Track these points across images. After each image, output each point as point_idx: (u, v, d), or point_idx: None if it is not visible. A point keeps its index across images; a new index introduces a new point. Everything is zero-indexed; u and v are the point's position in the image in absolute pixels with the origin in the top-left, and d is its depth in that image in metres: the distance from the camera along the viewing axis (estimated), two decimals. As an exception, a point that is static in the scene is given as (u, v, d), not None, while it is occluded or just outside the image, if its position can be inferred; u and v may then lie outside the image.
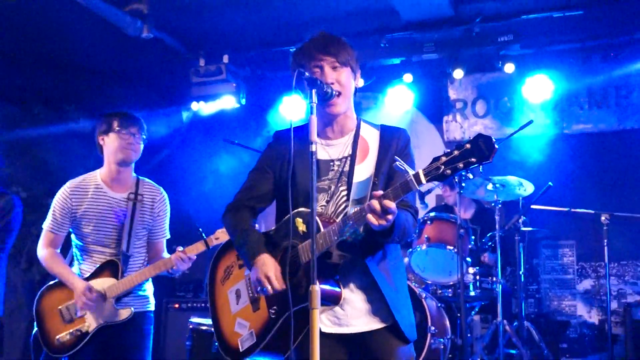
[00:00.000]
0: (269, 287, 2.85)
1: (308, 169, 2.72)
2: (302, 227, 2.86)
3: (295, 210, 2.89)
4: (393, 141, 3.05)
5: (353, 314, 2.96)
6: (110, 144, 4.27)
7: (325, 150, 3.09)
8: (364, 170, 3.03)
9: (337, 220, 2.87)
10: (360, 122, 3.14)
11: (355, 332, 2.96)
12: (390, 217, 2.56)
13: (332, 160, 3.09)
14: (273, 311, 3.00)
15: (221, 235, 4.17)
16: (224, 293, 3.24)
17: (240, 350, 3.09)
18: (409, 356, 3.00)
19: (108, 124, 4.28)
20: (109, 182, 4.35)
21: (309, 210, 2.72)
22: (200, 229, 4.25)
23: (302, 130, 2.94)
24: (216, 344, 4.02)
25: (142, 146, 4.37)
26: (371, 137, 3.10)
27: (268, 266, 2.90)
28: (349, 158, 3.05)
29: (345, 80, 3.04)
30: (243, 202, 3.18)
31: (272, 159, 3.17)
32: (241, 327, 3.14)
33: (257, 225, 3.20)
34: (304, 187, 2.92)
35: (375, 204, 2.54)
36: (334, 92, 2.94)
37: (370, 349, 2.97)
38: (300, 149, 2.92)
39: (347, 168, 3.05)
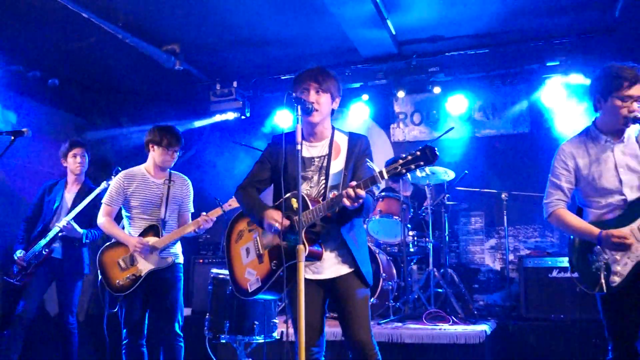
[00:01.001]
0: (278, 225, 2.90)
1: (296, 162, 2.79)
2: (295, 204, 2.88)
3: (291, 192, 2.94)
4: (357, 144, 3.13)
5: (327, 266, 3.02)
6: (157, 153, 4.35)
7: (308, 150, 3.14)
8: (337, 165, 3.08)
9: (321, 201, 2.91)
10: (335, 130, 3.20)
11: (328, 278, 3.03)
12: (361, 200, 2.67)
13: (314, 158, 3.13)
14: (274, 264, 3.06)
15: (232, 203, 4.20)
16: (237, 250, 3.29)
17: (249, 291, 3.17)
18: (365, 295, 3.05)
19: (160, 138, 4.36)
20: (152, 172, 4.41)
21: (295, 192, 2.83)
22: (218, 199, 4.29)
23: (291, 135, 2.99)
24: (230, 287, 4.04)
25: (177, 155, 4.47)
26: (342, 141, 3.15)
27: (274, 213, 2.96)
28: (326, 156, 3.11)
29: (323, 101, 3.08)
30: (250, 183, 3.24)
31: (270, 155, 3.22)
32: (250, 275, 3.18)
33: None
34: (292, 176, 2.97)
35: (351, 191, 2.65)
36: (313, 108, 2.98)
37: (338, 289, 3.03)
38: (290, 148, 2.97)
39: (325, 163, 3.10)
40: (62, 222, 4.72)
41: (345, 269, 3.01)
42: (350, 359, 3.03)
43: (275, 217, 2.93)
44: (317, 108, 3.03)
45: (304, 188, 3.02)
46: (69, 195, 5.03)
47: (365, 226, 5.93)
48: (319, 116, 3.05)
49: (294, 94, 2.97)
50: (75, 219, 4.77)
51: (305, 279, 2.88)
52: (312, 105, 3.01)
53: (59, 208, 4.97)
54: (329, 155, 3.07)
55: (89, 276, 5.32)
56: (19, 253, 4.86)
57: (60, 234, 4.76)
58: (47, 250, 4.78)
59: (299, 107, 2.93)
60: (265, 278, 3.06)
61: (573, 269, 3.36)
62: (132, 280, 4.19)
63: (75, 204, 4.90)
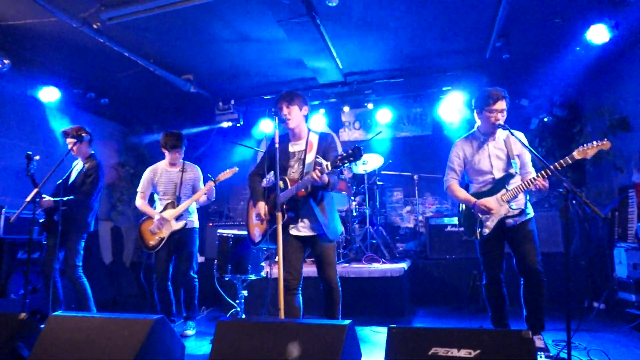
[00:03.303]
0: (263, 217, 3.03)
1: (282, 156, 2.95)
2: (282, 185, 2.98)
3: (281, 177, 2.97)
4: (324, 141, 3.17)
5: (303, 228, 3.03)
6: (166, 154, 4.25)
7: (292, 147, 3.17)
8: (310, 157, 3.09)
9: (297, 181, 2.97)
10: (310, 131, 3.19)
11: (304, 235, 3.05)
12: (324, 176, 2.77)
13: (295, 152, 3.15)
14: (268, 225, 3.05)
15: (221, 176, 4.15)
16: (252, 213, 3.31)
17: (255, 242, 3.19)
18: (331, 247, 3.06)
19: (164, 143, 4.21)
20: (168, 165, 4.29)
21: (283, 176, 2.97)
22: (210, 175, 4.21)
23: (280, 138, 3.03)
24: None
25: (182, 153, 4.28)
26: (314, 139, 3.16)
27: (261, 207, 3.05)
28: (303, 151, 3.11)
29: (293, 112, 3.10)
30: (256, 172, 3.25)
31: (268, 153, 3.19)
32: (256, 231, 3.21)
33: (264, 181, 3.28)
34: (280, 165, 3.01)
35: (316, 173, 2.75)
36: (286, 119, 3.03)
37: (313, 244, 3.05)
38: (279, 147, 2.99)
39: (303, 156, 3.11)
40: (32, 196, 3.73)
41: (316, 231, 3.01)
42: (321, 289, 3.04)
43: (262, 211, 3.03)
44: (289, 118, 3.03)
45: (289, 173, 3.04)
46: (75, 171, 4.27)
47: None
48: (292, 123, 3.06)
49: (273, 110, 2.99)
50: (68, 190, 4.05)
51: (292, 235, 3.01)
52: (285, 116, 3.02)
53: (66, 182, 4.21)
54: (305, 150, 3.06)
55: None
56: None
57: (39, 207, 3.84)
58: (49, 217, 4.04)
59: (276, 118, 2.95)
60: (264, 233, 3.10)
61: (460, 224, 3.44)
62: (158, 241, 4.11)
63: (75, 178, 4.15)
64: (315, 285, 3.10)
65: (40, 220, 4.13)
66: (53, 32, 4.62)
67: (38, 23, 4.44)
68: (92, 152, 4.29)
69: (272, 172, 3.12)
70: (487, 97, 3.18)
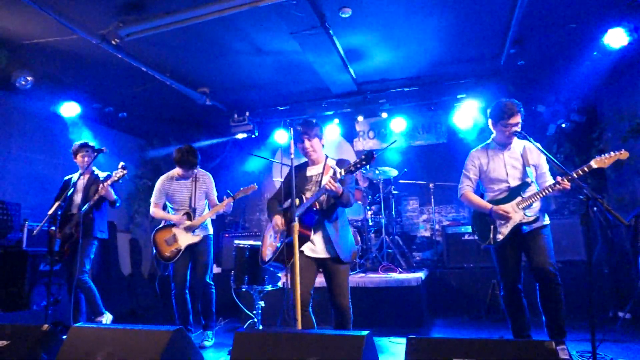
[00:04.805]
0: (278, 228, 3.05)
1: (300, 181, 3.05)
2: (297, 202, 3.03)
3: (296, 197, 2.99)
4: (343, 164, 3.15)
5: (318, 249, 3.01)
6: (178, 169, 4.28)
7: (310, 171, 3.22)
8: (327, 179, 3.11)
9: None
10: (327, 157, 3.23)
11: (319, 257, 3.03)
12: (337, 184, 2.80)
13: (312, 176, 3.20)
14: (280, 243, 3.06)
15: (239, 194, 4.17)
16: (267, 235, 3.33)
17: (265, 260, 3.15)
18: (345, 270, 3.03)
19: (177, 160, 4.24)
20: (182, 174, 4.31)
21: (297, 198, 3.01)
22: (229, 191, 4.22)
23: (298, 166, 3.16)
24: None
25: (196, 166, 4.27)
26: (332, 164, 3.22)
27: (278, 219, 3.08)
28: (320, 174, 3.14)
29: (314, 144, 3.17)
30: (275, 197, 3.27)
31: (286, 180, 3.20)
32: (268, 250, 3.24)
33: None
34: (298, 189, 3.07)
35: (330, 180, 2.79)
36: (309, 152, 3.15)
37: (326, 266, 3.03)
38: (298, 173, 3.10)
39: (319, 178, 3.15)
40: (106, 184, 4.08)
41: (330, 254, 3.00)
42: (332, 315, 3.02)
43: (278, 222, 3.05)
44: (311, 151, 3.13)
45: (306, 193, 3.05)
46: (81, 182, 4.36)
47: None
48: (314, 154, 3.15)
49: (298, 144, 3.10)
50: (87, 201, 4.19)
51: (306, 255, 2.99)
52: (308, 151, 3.10)
53: (73, 194, 4.32)
54: (322, 172, 3.10)
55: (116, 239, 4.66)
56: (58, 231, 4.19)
57: (98, 197, 4.11)
58: (75, 231, 4.16)
59: (299, 144, 3.09)
60: (275, 251, 3.07)
61: (474, 231, 3.44)
62: (175, 252, 4.14)
63: (85, 188, 4.29)
64: (324, 294, 3.08)
65: (55, 228, 4.19)
66: (73, 49, 4.75)
67: (59, 41, 4.58)
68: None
69: (289, 200, 3.12)
70: (502, 112, 3.22)
